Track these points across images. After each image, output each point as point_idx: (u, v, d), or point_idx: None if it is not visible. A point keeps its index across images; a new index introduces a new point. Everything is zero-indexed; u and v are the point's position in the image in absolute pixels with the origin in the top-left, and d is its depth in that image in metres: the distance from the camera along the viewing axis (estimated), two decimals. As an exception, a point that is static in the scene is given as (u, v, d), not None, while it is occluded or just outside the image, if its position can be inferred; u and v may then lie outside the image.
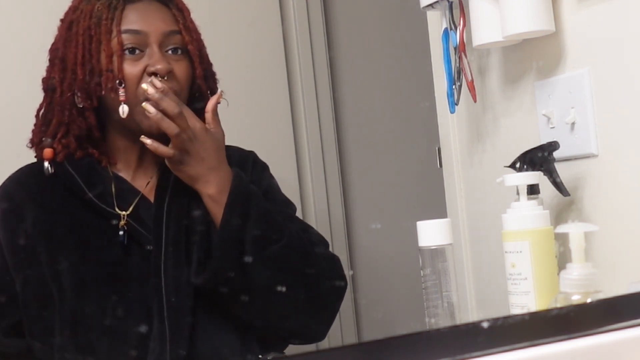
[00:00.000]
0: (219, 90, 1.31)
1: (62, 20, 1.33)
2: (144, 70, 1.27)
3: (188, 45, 1.31)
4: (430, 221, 1.03)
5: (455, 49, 1.28)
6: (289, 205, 1.43)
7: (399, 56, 2.10)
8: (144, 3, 1.31)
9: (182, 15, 1.32)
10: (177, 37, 1.31)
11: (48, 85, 1.32)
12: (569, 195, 1.15)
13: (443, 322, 1.01)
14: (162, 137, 1.26)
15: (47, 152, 1.30)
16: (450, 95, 1.31)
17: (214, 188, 1.27)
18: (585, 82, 1.15)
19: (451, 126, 1.44)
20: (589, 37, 1.14)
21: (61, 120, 1.29)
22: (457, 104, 1.31)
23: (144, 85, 1.24)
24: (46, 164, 1.30)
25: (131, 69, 1.27)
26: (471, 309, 1.39)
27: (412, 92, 1.94)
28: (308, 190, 2.04)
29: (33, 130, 1.35)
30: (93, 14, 1.28)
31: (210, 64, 1.36)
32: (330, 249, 1.71)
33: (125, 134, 1.31)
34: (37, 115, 1.34)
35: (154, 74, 1.26)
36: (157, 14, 1.31)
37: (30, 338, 1.26)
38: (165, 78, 1.26)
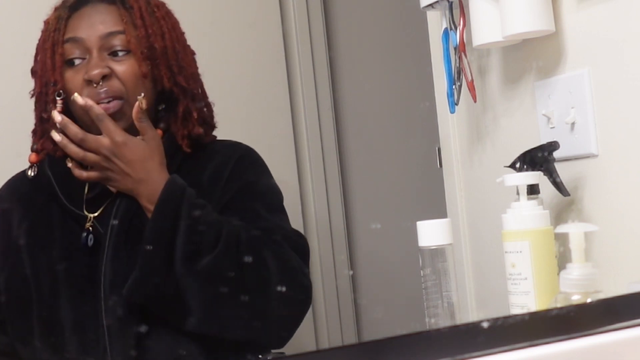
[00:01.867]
0: (138, 97, 1.25)
1: None
2: (83, 78, 1.27)
3: (130, 44, 1.28)
4: (430, 221, 1.03)
5: (455, 49, 1.28)
6: (266, 198, 1.36)
7: (399, 56, 2.10)
8: (88, 8, 1.30)
9: (129, 13, 1.29)
10: (119, 37, 1.28)
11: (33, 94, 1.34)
12: (569, 195, 1.15)
13: (443, 322, 1.01)
14: None
15: (31, 156, 1.32)
16: (450, 95, 1.31)
17: (144, 200, 1.26)
18: (585, 82, 1.15)
19: (451, 126, 1.44)
20: (589, 37, 1.14)
21: (37, 128, 1.32)
22: (457, 104, 1.31)
23: (53, 113, 1.25)
24: (28, 167, 1.31)
25: (73, 79, 1.27)
26: (471, 309, 1.39)
27: (412, 92, 1.94)
28: (308, 190, 2.04)
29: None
30: (48, 26, 1.30)
31: (178, 60, 1.32)
32: (330, 249, 1.71)
33: None
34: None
35: (89, 81, 1.26)
36: (99, 16, 1.30)
37: (14, 339, 1.28)
38: (101, 83, 1.26)
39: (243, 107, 1.90)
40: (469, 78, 1.29)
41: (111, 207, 1.29)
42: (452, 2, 1.28)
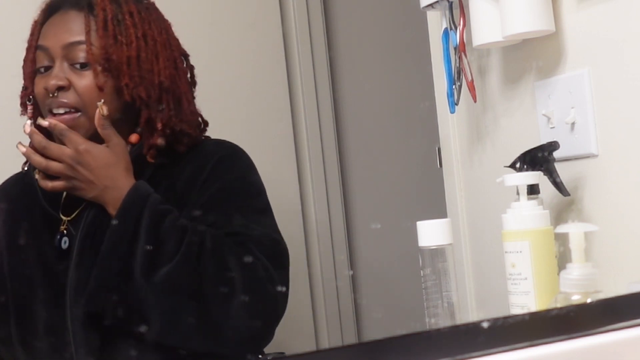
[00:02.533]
0: (98, 104, 1.24)
1: None
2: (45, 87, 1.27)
3: (88, 55, 1.26)
4: (430, 221, 1.03)
5: (455, 49, 1.28)
6: (242, 201, 1.32)
7: (399, 56, 2.10)
8: (59, 14, 1.29)
9: (93, 22, 1.27)
10: (80, 47, 1.27)
11: None
12: (569, 195, 1.15)
13: (443, 322, 1.01)
14: None
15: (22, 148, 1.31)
16: (450, 95, 1.31)
17: (110, 207, 1.25)
18: (585, 82, 1.15)
19: (451, 126, 1.44)
20: (589, 37, 1.14)
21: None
22: (457, 104, 1.31)
23: (25, 123, 1.26)
24: (23, 163, 1.32)
25: (38, 86, 1.28)
26: (471, 309, 1.39)
27: (412, 92, 1.94)
28: (308, 190, 2.04)
29: None
30: (31, 30, 1.31)
31: (140, 70, 1.28)
32: (330, 249, 1.71)
33: None
34: None
35: (48, 91, 1.26)
36: (64, 25, 1.28)
37: None
38: (56, 94, 1.25)
39: (243, 107, 1.90)
40: (469, 78, 1.29)
41: (84, 212, 1.29)
42: (452, 2, 1.28)
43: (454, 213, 1.43)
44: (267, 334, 1.27)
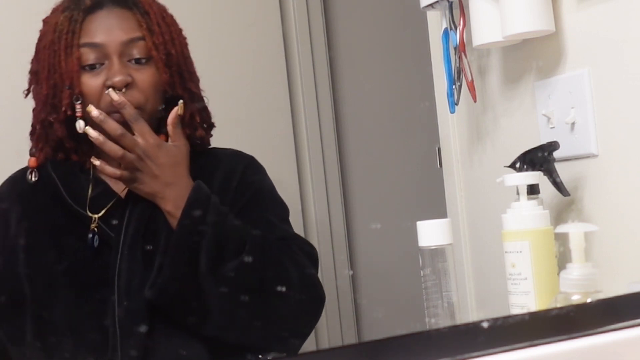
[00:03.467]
0: (180, 102, 1.27)
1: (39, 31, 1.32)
2: (104, 84, 1.25)
3: (151, 51, 1.27)
4: (430, 221, 1.03)
5: (455, 49, 1.28)
6: (279, 208, 1.38)
7: (399, 56, 2.10)
8: (104, 12, 1.28)
9: (147, 19, 1.28)
10: (139, 44, 1.27)
11: (32, 96, 1.32)
12: (569, 195, 1.15)
13: (443, 322, 1.01)
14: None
15: (30, 161, 1.31)
16: (450, 95, 1.31)
17: (170, 204, 1.25)
18: (585, 82, 1.15)
19: (451, 126, 1.44)
20: (589, 37, 1.14)
21: (36, 130, 1.31)
22: (457, 104, 1.31)
23: (88, 108, 1.22)
24: (28, 172, 1.30)
25: (91, 83, 1.26)
26: (471, 309, 1.39)
27: (412, 92, 1.94)
28: (308, 190, 2.04)
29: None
30: (56, 27, 1.27)
31: (187, 65, 1.32)
32: (330, 249, 1.71)
33: None
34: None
35: (111, 87, 1.24)
36: (117, 22, 1.28)
37: (5, 339, 1.27)
38: (124, 90, 1.25)
39: (243, 107, 1.90)
40: (469, 78, 1.29)
41: (119, 209, 1.28)
42: (452, 2, 1.28)
43: (454, 213, 1.43)
44: (311, 332, 1.34)
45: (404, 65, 2.07)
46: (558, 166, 1.14)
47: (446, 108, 1.33)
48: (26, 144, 1.77)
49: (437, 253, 1.02)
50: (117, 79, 1.24)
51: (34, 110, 1.31)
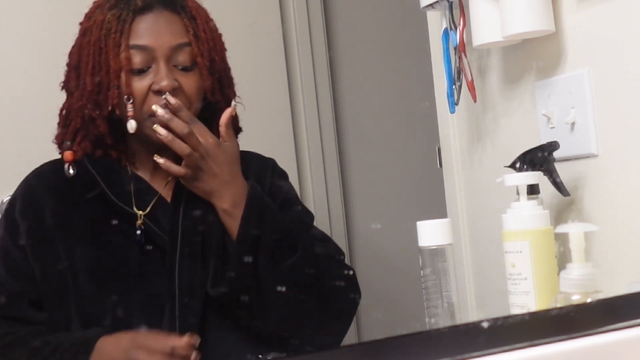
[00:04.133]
0: (232, 103, 1.30)
1: (80, 25, 1.32)
2: (150, 87, 1.26)
3: (197, 58, 1.28)
4: (430, 221, 1.03)
5: (455, 49, 1.28)
6: (307, 214, 1.43)
7: (399, 56, 2.10)
8: (153, 14, 1.28)
9: (193, 25, 1.29)
10: (186, 49, 1.28)
11: (67, 88, 1.33)
12: (569, 195, 1.15)
13: (443, 322, 1.01)
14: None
15: (67, 154, 1.30)
16: (450, 95, 1.31)
17: (227, 203, 1.27)
18: (585, 82, 1.15)
19: (451, 126, 1.44)
20: (589, 37, 1.14)
21: (77, 124, 1.31)
22: (457, 104, 1.31)
23: (154, 107, 1.23)
24: (66, 166, 1.30)
25: (138, 85, 1.26)
26: (471, 309, 1.39)
27: (412, 92, 1.94)
28: (308, 190, 2.04)
29: (57, 129, 1.36)
30: (104, 25, 1.27)
31: (226, 71, 1.35)
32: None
33: (138, 140, 1.31)
34: (60, 115, 1.35)
35: (159, 91, 1.25)
36: (166, 25, 1.28)
37: (50, 326, 1.27)
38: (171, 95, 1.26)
39: (243, 107, 1.90)
40: (469, 78, 1.29)
41: (163, 206, 1.30)
42: (452, 2, 1.28)
43: (454, 213, 1.43)
44: (349, 328, 1.39)
45: (404, 65, 2.07)
46: (558, 166, 1.14)
47: (446, 108, 1.33)
48: (26, 144, 1.77)
49: (437, 253, 1.02)
50: (165, 83, 1.25)
51: (70, 103, 1.31)
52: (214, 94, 1.31)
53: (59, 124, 1.35)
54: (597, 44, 1.13)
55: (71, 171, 1.29)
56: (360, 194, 2.13)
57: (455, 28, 1.28)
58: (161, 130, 1.23)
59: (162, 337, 1.19)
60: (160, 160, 1.25)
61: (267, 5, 2.03)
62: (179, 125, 1.23)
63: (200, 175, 1.26)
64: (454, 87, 1.30)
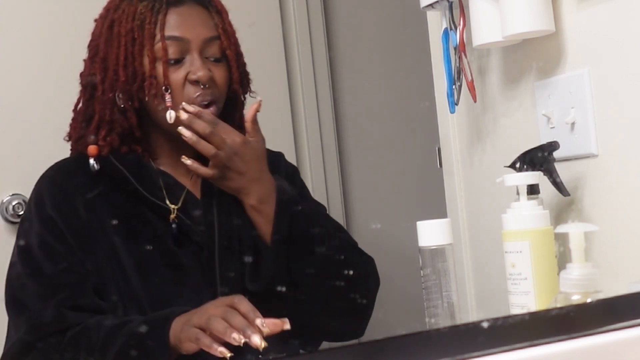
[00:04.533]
0: (258, 99, 1.31)
1: (101, 18, 1.33)
2: (186, 77, 1.28)
3: (226, 50, 1.31)
4: (430, 221, 1.03)
5: (455, 49, 1.28)
6: (320, 205, 1.46)
7: (399, 56, 2.10)
8: (186, 7, 1.30)
9: (220, 19, 1.32)
10: (216, 42, 1.31)
11: (87, 81, 1.33)
12: (569, 195, 1.15)
13: (443, 322, 1.01)
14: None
15: (92, 149, 1.30)
16: (450, 95, 1.31)
17: (255, 199, 1.29)
18: (585, 82, 1.15)
19: (451, 126, 1.44)
20: (589, 37, 1.14)
21: (103, 118, 1.30)
22: (457, 104, 1.31)
23: (180, 113, 1.25)
24: (92, 161, 1.30)
25: (174, 76, 1.28)
26: (471, 309, 1.39)
27: (412, 92, 1.94)
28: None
29: (71, 125, 1.36)
30: (136, 16, 1.28)
31: (245, 65, 1.37)
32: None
33: (163, 134, 1.33)
34: (74, 110, 1.35)
35: (196, 81, 1.27)
36: (198, 19, 1.31)
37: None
38: (207, 85, 1.28)
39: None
40: (469, 78, 1.29)
41: (193, 201, 1.32)
42: (452, 2, 1.28)
43: (454, 213, 1.43)
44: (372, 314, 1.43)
45: (404, 65, 2.07)
46: (558, 166, 1.14)
47: (446, 108, 1.33)
48: (26, 144, 1.77)
49: (437, 253, 1.02)
50: (202, 73, 1.27)
51: (91, 96, 1.31)
52: (241, 86, 1.35)
53: (74, 119, 1.35)
54: (597, 44, 1.13)
55: (96, 166, 1.30)
56: (360, 194, 2.13)
57: (455, 28, 1.28)
58: (186, 132, 1.25)
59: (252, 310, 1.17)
60: (188, 162, 1.27)
61: (267, 5, 2.03)
62: (200, 126, 1.25)
63: (227, 174, 1.27)
64: (454, 87, 1.30)
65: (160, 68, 1.27)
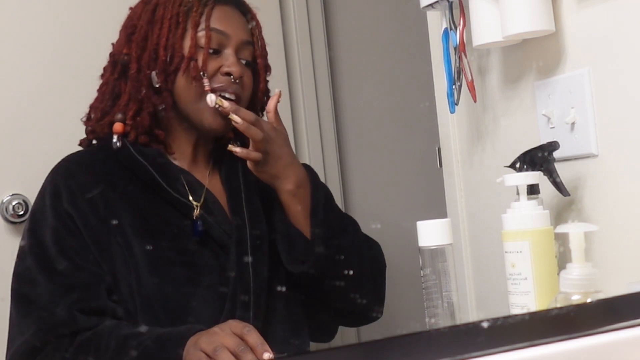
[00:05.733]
0: (277, 90, 1.34)
1: (143, 2, 1.37)
2: (219, 68, 1.32)
3: (258, 58, 1.38)
4: (430, 221, 1.03)
5: (455, 49, 1.28)
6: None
7: (399, 56, 2.10)
8: (229, 7, 1.37)
9: (254, 28, 1.39)
10: (250, 48, 1.37)
11: (119, 59, 1.35)
12: (569, 195, 1.15)
13: (443, 322, 1.01)
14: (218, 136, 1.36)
15: (118, 125, 1.32)
16: (450, 95, 1.31)
17: (292, 184, 1.33)
18: (585, 82, 1.15)
19: (451, 126, 1.44)
20: (589, 37, 1.14)
21: (135, 96, 1.33)
22: (457, 104, 1.31)
23: (218, 100, 1.28)
24: (115, 138, 1.32)
25: (210, 65, 1.32)
26: (471, 309, 1.39)
27: (412, 92, 1.94)
28: (308, 190, 2.03)
29: (93, 106, 1.37)
30: (183, 3, 1.34)
31: (268, 81, 1.42)
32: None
33: (185, 127, 1.36)
34: (99, 90, 1.38)
35: (228, 74, 1.32)
36: (239, 21, 1.37)
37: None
38: (238, 81, 1.32)
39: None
40: (469, 78, 1.29)
41: (212, 198, 1.34)
42: (452, 2, 1.28)
43: (454, 213, 1.43)
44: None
45: (404, 65, 2.07)
46: (558, 166, 1.14)
47: (446, 108, 1.33)
48: (26, 144, 1.77)
49: (437, 253, 1.02)
50: (235, 69, 1.33)
51: (127, 75, 1.34)
52: (261, 97, 1.40)
53: (97, 99, 1.37)
54: (597, 44, 1.13)
55: (119, 143, 1.32)
56: (360, 194, 2.13)
57: (455, 28, 1.28)
58: (237, 119, 1.27)
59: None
60: (237, 149, 1.30)
61: (267, 5, 2.03)
62: (246, 113, 1.28)
63: (267, 159, 1.31)
64: (454, 87, 1.30)
65: (200, 54, 1.31)
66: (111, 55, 1.37)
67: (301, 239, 1.32)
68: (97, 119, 1.35)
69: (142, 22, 1.34)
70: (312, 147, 2.07)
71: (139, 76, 1.32)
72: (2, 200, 1.76)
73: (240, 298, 1.27)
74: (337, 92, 2.12)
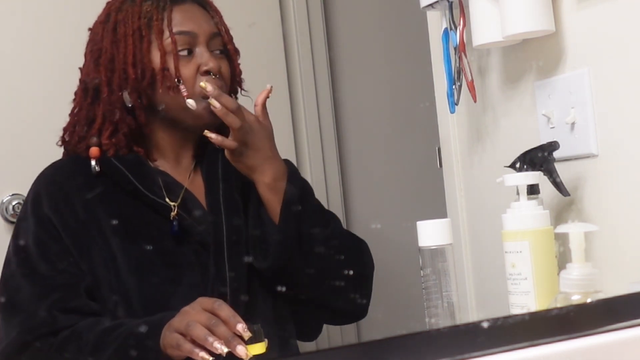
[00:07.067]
0: (268, 86, 1.33)
1: (101, 22, 1.36)
2: (197, 69, 1.32)
3: (227, 45, 1.37)
4: (430, 221, 1.03)
5: (455, 49, 1.28)
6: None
7: (399, 56, 2.10)
8: (187, 5, 1.36)
9: (219, 18, 1.38)
10: (219, 38, 1.37)
11: (89, 85, 1.35)
12: (569, 195, 1.14)
13: (443, 322, 1.02)
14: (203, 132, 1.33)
15: (94, 150, 1.33)
16: (450, 95, 1.31)
17: (270, 176, 1.32)
18: (585, 82, 1.15)
19: (451, 126, 1.44)
20: (589, 37, 1.14)
21: (109, 118, 1.33)
22: (457, 104, 1.31)
23: (202, 83, 1.28)
24: (93, 162, 1.32)
25: (185, 68, 1.32)
26: (471, 309, 1.39)
27: (412, 92, 1.94)
28: (308, 190, 2.04)
29: (68, 130, 1.38)
30: (142, 14, 1.32)
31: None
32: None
33: (168, 131, 1.36)
34: (72, 114, 1.37)
35: (207, 72, 1.32)
36: (201, 16, 1.37)
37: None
38: (218, 76, 1.32)
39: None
40: (469, 78, 1.28)
41: (191, 197, 1.34)
42: (452, 2, 1.28)
43: (454, 213, 1.43)
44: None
45: (404, 65, 2.07)
46: (558, 166, 1.14)
47: (446, 108, 1.33)
48: (26, 144, 1.77)
49: (437, 253, 1.02)
50: (212, 65, 1.32)
51: (99, 100, 1.33)
52: (239, 80, 1.40)
53: (71, 124, 1.37)
54: (597, 43, 1.13)
55: (97, 168, 1.32)
56: (360, 194, 2.13)
57: (455, 28, 1.28)
58: (216, 104, 1.26)
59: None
60: (212, 135, 1.29)
61: (267, 6, 2.03)
62: (228, 100, 1.28)
63: (245, 151, 1.30)
64: (454, 87, 1.30)
65: (171, 61, 1.31)
66: (81, 81, 1.37)
67: (273, 230, 1.33)
68: (76, 143, 1.35)
69: (106, 44, 1.33)
70: (312, 147, 2.07)
71: (111, 98, 1.32)
72: (2, 200, 1.77)
73: (219, 294, 1.27)
74: (337, 92, 2.12)
